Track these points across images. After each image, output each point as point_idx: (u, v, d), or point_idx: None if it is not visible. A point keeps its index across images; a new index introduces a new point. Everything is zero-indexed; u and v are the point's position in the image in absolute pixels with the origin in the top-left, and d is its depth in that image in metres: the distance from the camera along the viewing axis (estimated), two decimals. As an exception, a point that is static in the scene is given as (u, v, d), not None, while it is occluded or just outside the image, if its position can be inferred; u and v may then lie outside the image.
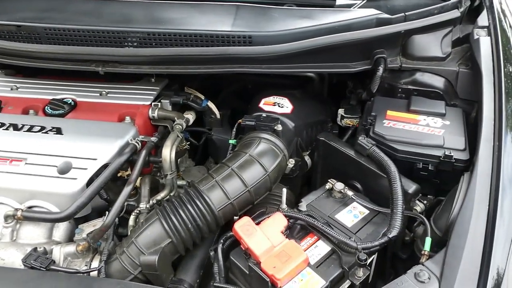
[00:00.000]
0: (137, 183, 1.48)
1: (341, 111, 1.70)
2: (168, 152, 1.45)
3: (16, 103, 1.65)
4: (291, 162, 1.47)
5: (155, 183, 1.55)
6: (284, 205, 1.30)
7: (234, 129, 1.55)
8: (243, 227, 1.20)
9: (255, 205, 1.38)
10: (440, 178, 1.38)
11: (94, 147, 1.42)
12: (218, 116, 1.75)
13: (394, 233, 1.20)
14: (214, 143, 1.78)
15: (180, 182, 1.57)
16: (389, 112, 1.50)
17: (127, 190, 1.30)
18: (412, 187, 1.32)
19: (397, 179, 1.28)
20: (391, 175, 1.29)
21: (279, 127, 1.46)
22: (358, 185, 1.46)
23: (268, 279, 1.12)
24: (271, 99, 1.64)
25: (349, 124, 1.68)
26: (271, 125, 1.45)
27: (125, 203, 1.37)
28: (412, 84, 1.59)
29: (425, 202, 1.37)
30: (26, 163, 1.38)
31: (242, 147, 1.42)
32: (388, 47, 1.55)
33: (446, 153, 1.33)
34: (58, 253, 1.26)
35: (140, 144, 1.44)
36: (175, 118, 1.61)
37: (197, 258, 1.33)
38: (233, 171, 1.32)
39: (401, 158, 1.38)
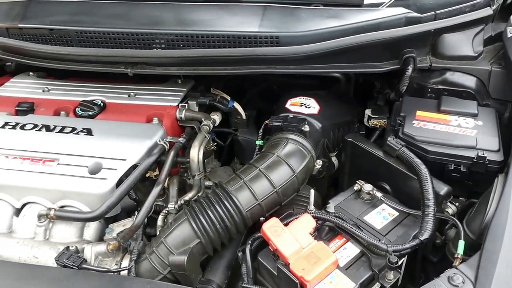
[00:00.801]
0: (165, 184, 1.49)
1: (368, 112, 1.68)
2: (196, 153, 1.46)
3: (48, 105, 1.69)
4: (319, 163, 1.46)
5: (183, 184, 1.56)
6: (311, 206, 1.29)
7: (261, 130, 1.55)
8: (272, 228, 1.20)
9: (282, 206, 1.38)
10: (472, 180, 1.35)
11: (123, 148, 1.44)
12: (244, 117, 1.76)
13: (426, 235, 1.17)
14: (240, 144, 1.78)
15: (206, 183, 1.58)
16: (418, 113, 1.47)
17: (156, 190, 1.31)
18: (443, 189, 1.29)
19: (428, 180, 1.25)
20: (422, 177, 1.27)
21: (306, 128, 1.45)
22: (387, 187, 1.43)
23: (297, 281, 1.11)
24: (298, 99, 1.64)
25: (377, 125, 1.66)
26: (298, 125, 1.44)
27: (154, 204, 1.39)
28: (442, 84, 1.55)
29: (457, 204, 1.34)
30: (58, 164, 1.41)
31: (269, 148, 1.42)
32: (417, 46, 1.52)
33: (479, 154, 1.30)
34: (90, 252, 1.28)
35: (168, 145, 1.45)
36: (202, 119, 1.62)
37: (225, 259, 1.33)
38: (261, 172, 1.32)
39: (432, 159, 1.35)
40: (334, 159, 1.62)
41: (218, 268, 1.31)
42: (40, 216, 1.33)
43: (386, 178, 1.43)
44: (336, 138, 1.63)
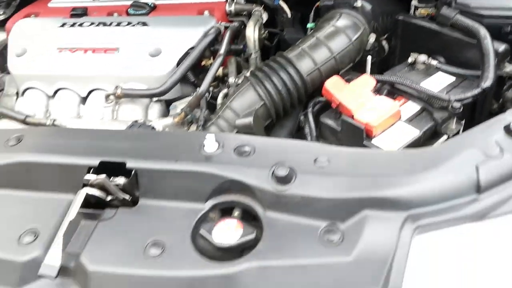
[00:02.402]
0: (220, 72, 1.52)
1: (414, 2, 1.66)
2: (251, 32, 1.50)
3: (100, 10, 1.73)
4: (372, 37, 1.48)
5: (239, 69, 1.59)
6: (368, 74, 1.31)
7: (312, 13, 1.57)
8: (334, 83, 1.23)
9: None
10: (530, 42, 1.35)
11: (180, 33, 1.48)
12: (289, 15, 1.77)
13: (488, 83, 1.19)
14: (287, 43, 1.79)
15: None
16: (471, -17, 1.46)
17: (218, 60, 1.36)
18: (501, 46, 1.29)
19: (487, 37, 1.26)
20: (480, 34, 1.27)
21: (358, 3, 1.46)
22: (442, 59, 1.44)
23: (363, 127, 1.15)
24: (345, -15, 1.63)
25: (424, 14, 1.65)
26: (350, 1, 1.45)
27: (210, 88, 1.43)
28: None
29: (515, 63, 1.34)
30: (119, 52, 1.47)
31: (324, 21, 1.44)
32: None
33: (538, 11, 1.29)
34: (157, 125, 1.33)
35: (223, 27, 1.49)
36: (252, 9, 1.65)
37: (287, 128, 1.37)
38: (319, 40, 1.34)
39: (487, 24, 1.34)
40: (384, 43, 1.63)
41: (280, 136, 1.36)
42: (107, 97, 1.40)
43: (440, 51, 1.43)
44: (385, 24, 1.63)
